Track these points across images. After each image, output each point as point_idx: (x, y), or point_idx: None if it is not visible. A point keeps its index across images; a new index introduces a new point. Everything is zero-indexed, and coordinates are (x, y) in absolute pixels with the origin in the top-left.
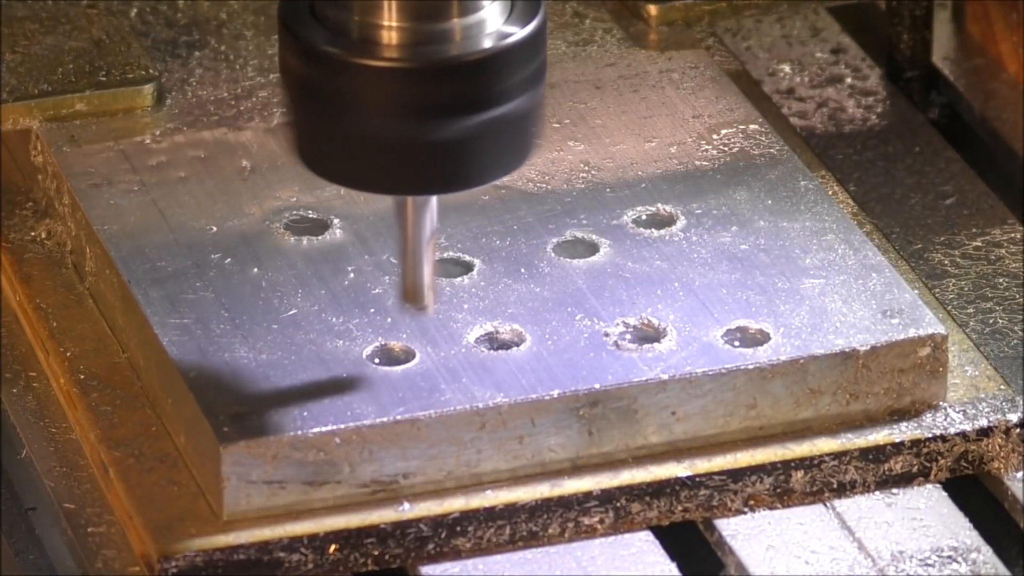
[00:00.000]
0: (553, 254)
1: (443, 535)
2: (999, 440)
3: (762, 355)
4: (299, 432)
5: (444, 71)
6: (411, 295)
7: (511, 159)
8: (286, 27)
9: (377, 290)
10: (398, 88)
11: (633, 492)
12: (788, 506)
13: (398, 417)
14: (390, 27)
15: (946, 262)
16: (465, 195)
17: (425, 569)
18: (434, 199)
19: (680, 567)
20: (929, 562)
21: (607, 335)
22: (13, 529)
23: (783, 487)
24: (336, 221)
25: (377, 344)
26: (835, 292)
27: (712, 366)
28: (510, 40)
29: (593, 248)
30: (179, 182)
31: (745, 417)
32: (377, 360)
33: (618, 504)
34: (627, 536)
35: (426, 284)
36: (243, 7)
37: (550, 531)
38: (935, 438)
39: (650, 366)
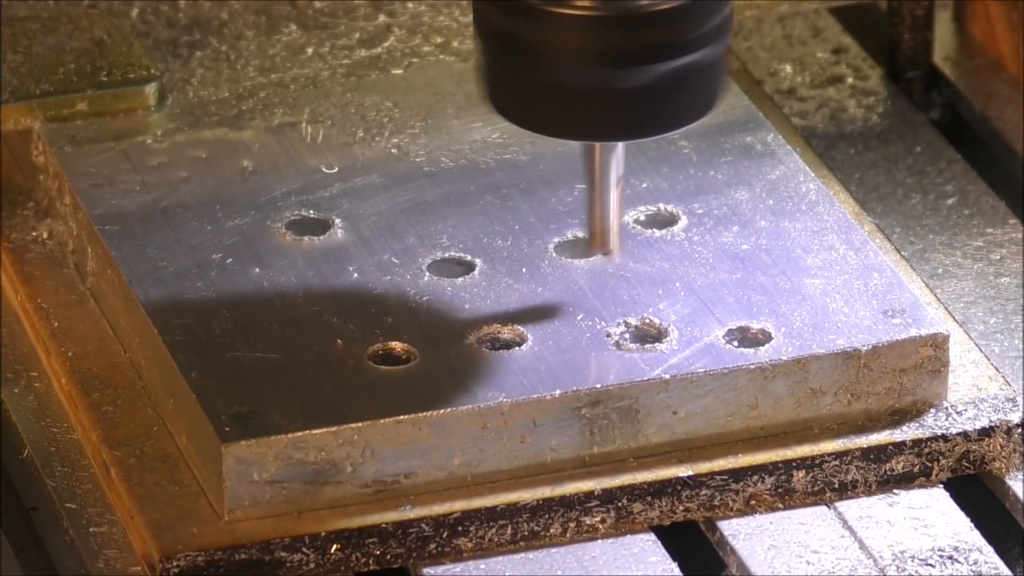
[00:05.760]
0: (554, 254)
1: (445, 535)
2: (1000, 440)
3: (764, 355)
4: (300, 432)
5: (635, 19)
6: (598, 241)
7: (697, 108)
8: None
9: (378, 290)
10: (589, 35)
11: (635, 492)
12: (790, 506)
13: (399, 417)
14: None
15: (947, 262)
16: (464, 197)
17: (427, 569)
18: (621, 146)
19: (682, 567)
20: (930, 562)
21: (609, 335)
22: (14, 529)
23: (785, 487)
24: (337, 221)
25: (378, 344)
26: (836, 292)
27: (714, 366)
28: None
29: None
30: (180, 182)
31: (747, 417)
32: (378, 360)
33: (620, 504)
34: (629, 536)
35: (612, 230)
36: (244, 7)
37: (552, 531)
38: (936, 438)
39: (652, 366)
